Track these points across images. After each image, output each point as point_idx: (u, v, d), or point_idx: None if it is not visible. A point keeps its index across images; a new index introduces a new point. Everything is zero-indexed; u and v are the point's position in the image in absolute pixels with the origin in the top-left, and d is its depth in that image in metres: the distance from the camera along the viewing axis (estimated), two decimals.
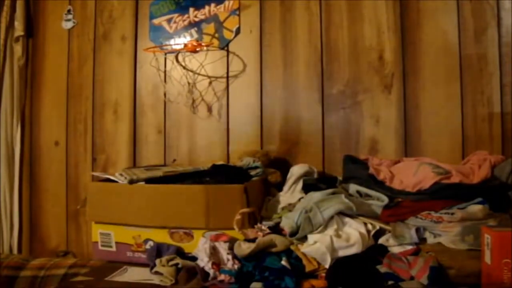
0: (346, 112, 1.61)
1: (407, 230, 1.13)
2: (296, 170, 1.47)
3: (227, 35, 1.71)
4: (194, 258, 1.17)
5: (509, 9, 1.47)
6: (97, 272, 1.22)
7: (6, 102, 1.87)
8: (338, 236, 1.12)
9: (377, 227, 1.17)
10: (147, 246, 1.28)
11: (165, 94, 1.76)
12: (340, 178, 1.47)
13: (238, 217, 1.19)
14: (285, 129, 1.66)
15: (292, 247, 1.13)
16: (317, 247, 1.08)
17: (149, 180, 1.30)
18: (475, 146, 1.48)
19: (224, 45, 1.72)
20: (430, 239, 1.11)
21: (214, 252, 1.14)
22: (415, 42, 1.55)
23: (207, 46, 1.70)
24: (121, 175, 1.33)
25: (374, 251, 1.10)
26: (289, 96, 1.66)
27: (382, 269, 1.01)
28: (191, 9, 1.75)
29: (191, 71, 1.74)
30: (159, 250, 1.22)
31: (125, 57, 1.82)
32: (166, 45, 1.75)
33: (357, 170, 1.41)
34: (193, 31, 1.74)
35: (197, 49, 1.71)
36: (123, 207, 1.30)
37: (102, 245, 1.33)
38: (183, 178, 1.31)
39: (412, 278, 0.96)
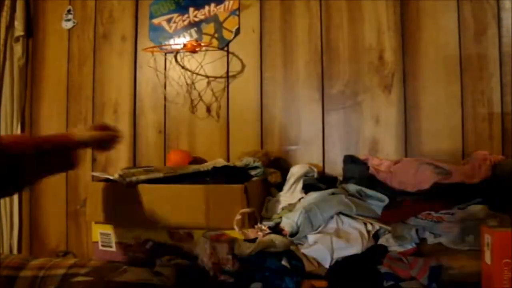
0: (346, 112, 1.61)
1: (407, 230, 1.13)
2: (296, 170, 1.47)
3: (227, 35, 1.71)
4: (194, 258, 1.17)
5: (509, 9, 1.47)
6: (97, 272, 1.21)
7: (6, 102, 1.87)
8: (338, 236, 1.12)
9: (377, 227, 1.17)
10: (147, 246, 1.27)
11: (165, 97, 1.76)
12: (340, 178, 1.47)
13: (238, 217, 1.19)
14: (285, 129, 1.66)
15: (292, 247, 1.12)
16: (317, 247, 1.08)
17: (149, 181, 1.30)
18: (475, 146, 1.47)
19: (224, 45, 1.71)
20: (430, 239, 1.11)
21: (214, 252, 1.14)
22: (415, 42, 1.55)
23: (206, 46, 1.70)
24: (120, 175, 1.33)
25: (374, 251, 1.10)
26: (289, 96, 1.66)
27: (382, 269, 1.01)
28: (191, 9, 1.75)
29: (191, 71, 1.74)
30: (159, 250, 1.22)
31: (125, 57, 1.82)
32: (165, 45, 1.75)
33: (357, 170, 1.41)
34: (192, 31, 1.74)
35: (197, 49, 1.71)
36: (123, 207, 1.30)
37: (102, 245, 1.33)
38: (183, 179, 1.31)
39: (412, 278, 0.96)
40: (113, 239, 1.31)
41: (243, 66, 1.70)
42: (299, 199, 1.35)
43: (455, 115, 1.50)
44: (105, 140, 1.11)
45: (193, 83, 1.74)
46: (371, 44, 1.59)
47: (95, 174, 1.69)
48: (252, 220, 1.25)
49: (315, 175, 1.48)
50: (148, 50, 1.73)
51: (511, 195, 1.20)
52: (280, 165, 1.60)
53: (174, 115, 1.77)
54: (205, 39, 1.72)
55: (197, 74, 1.74)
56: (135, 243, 1.29)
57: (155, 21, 1.79)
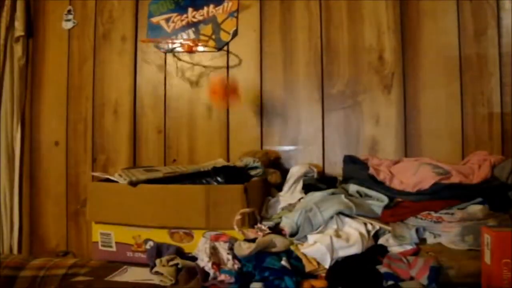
0: (346, 112, 1.61)
1: (407, 230, 1.13)
2: (296, 170, 1.47)
3: (224, 37, 1.71)
4: (194, 258, 1.17)
5: (509, 9, 1.47)
6: (97, 272, 1.21)
7: (6, 102, 1.87)
8: (338, 236, 1.12)
9: (377, 227, 1.18)
10: (147, 246, 1.28)
11: (165, 97, 1.76)
12: (340, 178, 1.47)
13: (238, 217, 1.19)
14: (285, 129, 1.66)
15: (292, 247, 1.13)
16: (317, 247, 1.08)
17: (149, 181, 1.30)
18: (475, 146, 1.48)
19: (221, 47, 1.71)
20: (430, 239, 1.11)
21: (214, 252, 1.14)
22: (415, 42, 1.55)
23: (205, 45, 1.70)
24: (120, 175, 1.33)
25: (374, 251, 1.10)
26: (289, 96, 1.66)
27: (382, 269, 1.01)
28: (190, 9, 1.75)
29: (190, 72, 1.74)
30: (159, 250, 1.22)
31: (125, 57, 1.82)
32: (164, 38, 1.74)
33: (357, 170, 1.41)
34: (190, 31, 1.74)
35: (193, 48, 1.70)
36: (123, 207, 1.30)
37: (102, 245, 1.33)
38: (183, 179, 1.31)
39: (412, 278, 0.96)
40: (113, 239, 1.31)
41: (244, 65, 1.70)
42: (299, 199, 1.35)
43: (455, 115, 1.51)
44: None
45: (193, 83, 1.74)
46: (371, 44, 1.59)
47: (95, 174, 1.69)
48: (252, 220, 1.25)
49: (315, 175, 1.48)
50: (145, 40, 1.72)
51: (510, 195, 1.20)
52: (280, 165, 1.61)
53: (174, 115, 1.77)
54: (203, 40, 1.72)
55: (198, 74, 1.73)
56: (135, 243, 1.29)
57: (154, 20, 1.79)
